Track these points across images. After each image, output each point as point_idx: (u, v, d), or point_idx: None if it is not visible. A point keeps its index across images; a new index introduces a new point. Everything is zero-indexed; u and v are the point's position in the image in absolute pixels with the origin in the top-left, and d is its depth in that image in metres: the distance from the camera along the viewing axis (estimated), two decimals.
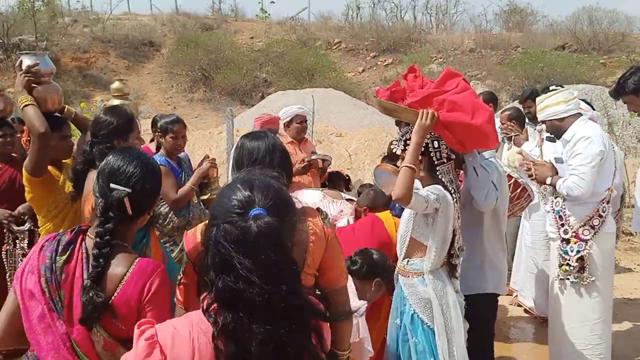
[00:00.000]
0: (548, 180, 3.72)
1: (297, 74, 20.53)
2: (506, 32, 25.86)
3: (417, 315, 2.82)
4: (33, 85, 3.16)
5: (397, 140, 3.07)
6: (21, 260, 3.54)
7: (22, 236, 3.60)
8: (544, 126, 4.50)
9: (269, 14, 29.71)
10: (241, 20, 28.20)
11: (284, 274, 1.32)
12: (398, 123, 3.12)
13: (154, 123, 4.59)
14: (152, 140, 5.01)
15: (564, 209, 3.71)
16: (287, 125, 5.35)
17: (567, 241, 3.68)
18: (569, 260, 3.65)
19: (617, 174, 3.98)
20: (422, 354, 2.80)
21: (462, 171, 3.23)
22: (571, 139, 3.63)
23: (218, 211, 1.39)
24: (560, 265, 3.70)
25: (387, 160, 4.81)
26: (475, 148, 3.05)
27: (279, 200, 1.41)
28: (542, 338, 4.41)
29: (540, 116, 3.83)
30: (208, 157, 4.35)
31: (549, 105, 3.72)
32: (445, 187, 2.84)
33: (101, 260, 1.81)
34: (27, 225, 3.58)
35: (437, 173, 2.88)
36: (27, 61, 3.22)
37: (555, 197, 3.77)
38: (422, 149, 2.84)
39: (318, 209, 2.13)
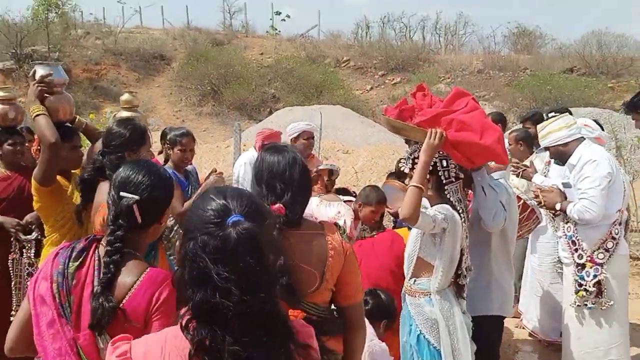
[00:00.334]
0: (557, 206, 3.71)
1: (305, 91, 20.67)
2: (514, 54, 25.97)
3: (424, 336, 2.80)
4: (45, 95, 3.19)
5: (405, 159, 3.07)
6: (27, 269, 3.55)
7: (28, 245, 3.59)
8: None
9: (279, 31, 30.01)
10: (251, 37, 28.45)
11: (262, 281, 1.30)
12: (407, 141, 3.11)
13: (163, 135, 4.62)
14: (160, 153, 5.03)
15: (576, 233, 3.68)
16: (294, 141, 5.36)
17: (583, 266, 3.64)
18: (585, 285, 3.60)
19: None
20: None
21: (470, 191, 3.23)
22: (577, 163, 3.63)
23: (194, 224, 1.36)
24: (577, 291, 3.64)
25: (394, 177, 4.81)
26: (484, 162, 3.06)
27: (255, 207, 1.39)
28: None
29: (543, 143, 3.84)
30: (215, 171, 4.37)
31: (551, 132, 3.73)
32: (453, 207, 2.83)
33: (112, 266, 1.83)
34: (34, 235, 3.58)
35: (445, 192, 2.88)
36: (40, 71, 3.24)
37: (567, 223, 3.75)
38: (431, 168, 2.84)
39: (336, 224, 2.14)
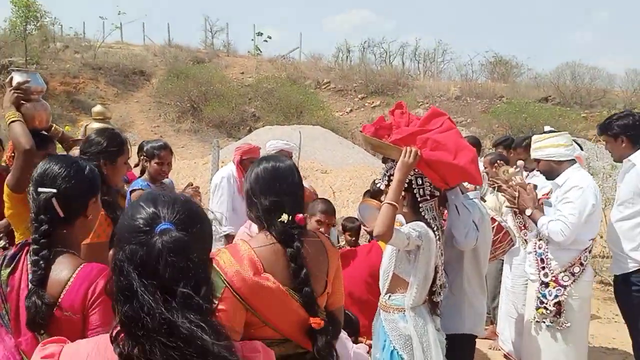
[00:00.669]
0: (528, 212, 3.74)
1: (285, 111, 20.77)
2: (491, 82, 26.49)
3: (397, 352, 2.79)
4: (22, 102, 3.16)
5: (382, 175, 3.09)
6: None
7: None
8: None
9: (261, 52, 30.20)
10: (233, 56, 28.57)
11: (184, 300, 1.22)
12: (385, 160, 3.14)
13: (140, 148, 4.59)
14: (136, 165, 4.99)
15: (547, 252, 3.73)
16: None
17: (547, 285, 3.70)
18: (546, 303, 3.67)
19: None
20: None
21: (446, 210, 3.26)
22: (563, 185, 3.67)
23: (123, 234, 1.29)
24: (537, 308, 3.71)
25: (369, 196, 4.85)
26: (458, 183, 3.08)
27: (188, 213, 1.31)
28: None
29: (537, 154, 3.82)
30: (192, 185, 4.34)
31: (549, 146, 3.73)
32: (428, 224, 2.86)
33: (41, 263, 1.80)
34: (1, 243, 3.51)
35: (420, 210, 2.90)
36: (17, 78, 3.21)
37: (539, 240, 3.80)
38: (406, 185, 2.87)
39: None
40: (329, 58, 29.97)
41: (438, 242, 2.88)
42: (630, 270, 3.83)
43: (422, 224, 2.83)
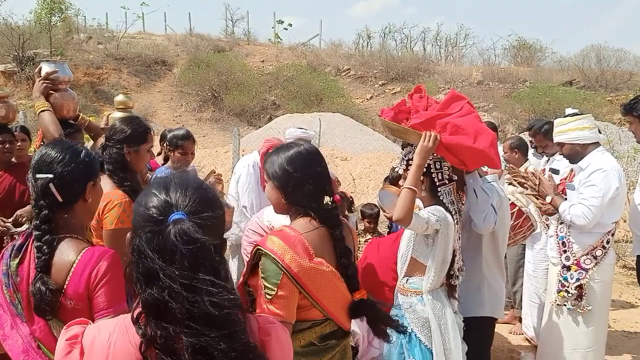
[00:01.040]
0: (548, 199, 3.73)
1: (305, 98, 20.75)
2: (514, 67, 26.10)
3: (415, 335, 2.82)
4: (50, 92, 3.25)
5: (400, 160, 3.11)
6: None
7: (18, 238, 3.63)
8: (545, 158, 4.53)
9: (281, 40, 30.18)
10: (253, 44, 28.59)
11: (206, 281, 1.24)
12: (404, 146, 3.15)
13: (162, 137, 4.66)
14: (159, 154, 5.07)
15: (568, 236, 3.72)
16: None
17: (568, 268, 3.69)
18: (568, 287, 3.66)
19: None
20: None
21: (464, 194, 3.26)
22: (586, 168, 3.64)
23: (137, 221, 1.32)
24: (559, 291, 3.71)
25: (389, 183, 4.86)
26: (478, 167, 3.08)
27: (200, 199, 1.32)
28: None
29: (560, 138, 3.76)
30: (214, 173, 4.40)
31: (574, 129, 3.68)
32: (446, 208, 2.87)
33: (44, 248, 1.82)
34: (24, 226, 3.57)
35: (439, 194, 2.91)
36: (46, 68, 3.31)
37: (561, 223, 3.78)
38: (424, 169, 2.88)
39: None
40: (350, 45, 29.84)
41: (456, 226, 2.90)
42: None
43: (440, 208, 2.84)
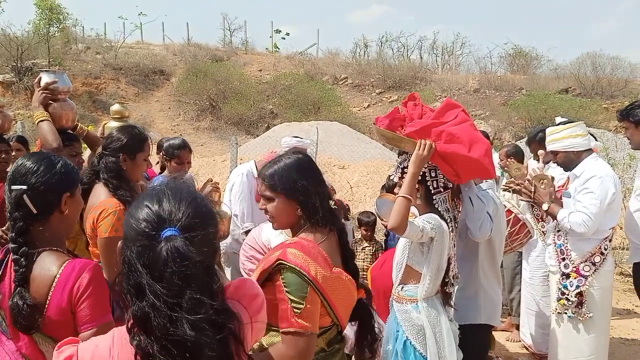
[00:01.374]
0: (544, 206, 3.74)
1: (303, 107, 20.81)
2: (510, 75, 26.20)
3: (410, 342, 2.83)
4: (49, 102, 3.27)
5: (395, 168, 3.12)
6: None
7: None
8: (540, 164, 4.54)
9: (279, 49, 30.28)
10: (251, 54, 28.68)
11: (189, 303, 1.22)
12: (400, 153, 3.16)
13: (159, 145, 4.68)
14: (157, 163, 5.09)
15: (566, 243, 3.73)
16: None
17: (567, 276, 3.70)
18: (567, 294, 3.67)
19: None
20: None
21: (461, 201, 3.27)
22: (581, 175, 3.66)
23: (128, 233, 1.29)
24: (559, 299, 3.71)
25: (386, 191, 4.88)
26: (471, 179, 3.09)
27: (194, 213, 1.30)
28: None
29: (554, 146, 3.79)
30: (211, 181, 4.42)
31: (567, 137, 3.71)
32: (441, 216, 2.88)
33: (22, 261, 1.79)
34: None
35: (434, 202, 2.93)
36: (45, 78, 3.34)
37: (558, 231, 3.79)
38: (419, 177, 2.89)
39: None
40: (347, 53, 29.95)
41: (451, 233, 2.91)
42: None
43: (435, 216, 2.85)
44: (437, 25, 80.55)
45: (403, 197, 2.77)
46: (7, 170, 4.05)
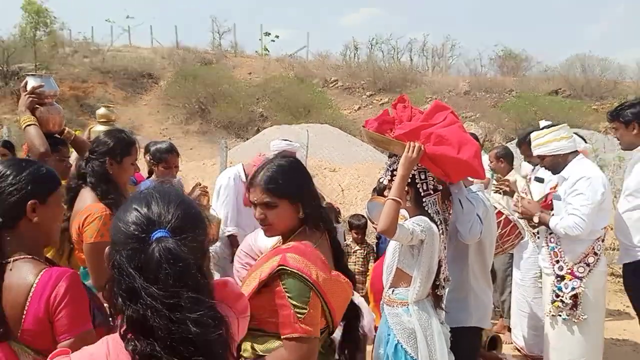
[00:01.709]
0: (535, 219, 3.75)
1: (293, 110, 20.79)
2: (500, 77, 26.37)
3: (401, 346, 2.80)
4: (36, 106, 3.23)
5: (384, 170, 3.10)
6: None
7: None
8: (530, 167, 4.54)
9: (268, 52, 30.27)
10: (240, 56, 28.66)
11: (188, 301, 1.22)
12: (391, 155, 3.14)
13: (147, 149, 4.62)
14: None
15: (559, 245, 3.72)
16: None
17: (562, 278, 3.68)
18: (562, 297, 3.64)
19: None
20: None
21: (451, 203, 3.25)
22: (569, 177, 3.66)
23: (117, 238, 1.28)
24: (553, 302, 3.68)
25: (377, 194, 4.85)
26: (462, 179, 3.08)
27: (183, 215, 1.29)
28: None
29: (539, 151, 3.80)
30: (199, 185, 4.37)
31: (552, 140, 3.72)
32: (432, 219, 2.86)
33: None
34: None
35: (424, 204, 2.91)
36: (32, 82, 3.29)
37: (550, 233, 3.79)
38: (409, 180, 2.87)
39: None
40: (337, 56, 29.99)
41: (441, 236, 2.89)
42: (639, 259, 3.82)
43: (425, 218, 2.84)
44: (427, 28, 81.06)
45: (392, 199, 2.76)
46: None
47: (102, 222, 2.66)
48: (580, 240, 3.64)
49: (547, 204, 3.98)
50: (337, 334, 2.35)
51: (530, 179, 4.62)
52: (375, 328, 3.13)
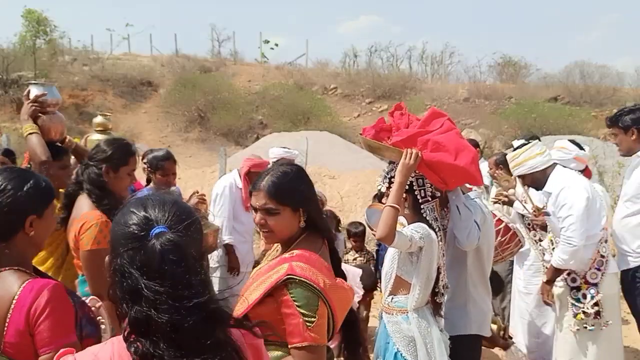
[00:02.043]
0: (544, 278, 3.82)
1: (292, 117, 20.78)
2: (500, 84, 26.39)
3: (401, 354, 2.79)
4: (38, 114, 3.24)
5: (381, 177, 3.09)
6: None
7: None
8: None
9: (268, 59, 30.32)
10: (240, 64, 28.68)
11: (194, 289, 1.27)
12: (390, 162, 3.14)
13: (143, 157, 4.61)
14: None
15: None
16: None
17: (578, 288, 3.65)
18: (583, 307, 3.60)
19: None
20: None
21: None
22: (552, 191, 3.68)
23: (117, 241, 1.33)
24: (575, 315, 3.63)
25: (377, 201, 4.84)
26: (459, 185, 3.07)
27: (179, 213, 1.36)
28: None
29: (519, 170, 3.84)
30: (197, 193, 4.36)
31: (527, 159, 3.77)
32: (430, 225, 2.86)
33: None
34: None
35: (422, 211, 2.90)
36: (35, 91, 3.31)
37: (554, 248, 3.78)
38: (407, 187, 2.87)
39: None
40: (336, 63, 30.02)
41: (440, 242, 2.89)
42: (638, 265, 3.81)
43: (423, 225, 2.83)
44: (425, 36, 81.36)
45: (390, 206, 2.75)
46: None
47: (99, 229, 2.66)
48: (584, 247, 3.62)
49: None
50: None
51: (528, 186, 4.61)
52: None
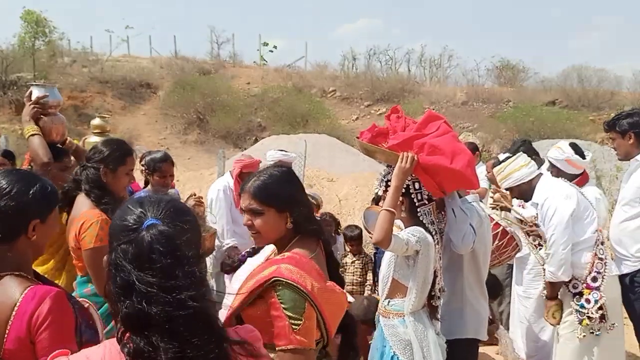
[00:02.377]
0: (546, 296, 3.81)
1: (291, 120, 20.80)
2: (498, 87, 26.42)
3: (397, 358, 2.79)
4: (40, 116, 3.24)
5: (378, 181, 3.10)
6: None
7: None
8: None
9: (267, 62, 30.33)
10: (239, 66, 28.69)
11: (184, 280, 1.28)
12: (388, 165, 3.14)
13: (141, 159, 4.61)
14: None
15: None
16: None
17: (580, 294, 3.64)
18: (588, 312, 3.58)
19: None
20: None
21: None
22: (539, 201, 3.70)
23: (113, 235, 1.37)
24: (581, 322, 3.61)
25: (375, 204, 4.84)
26: (454, 190, 3.07)
27: (173, 209, 1.40)
28: None
29: (507, 183, 3.85)
30: (194, 195, 4.36)
31: (512, 172, 3.78)
32: (426, 229, 2.86)
33: None
34: None
35: (418, 214, 2.90)
36: (36, 92, 3.32)
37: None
38: (403, 190, 2.87)
39: None
40: (335, 66, 30.03)
41: (436, 246, 2.89)
42: (637, 269, 3.80)
43: (420, 228, 2.83)
44: (424, 39, 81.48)
45: (386, 210, 2.75)
46: None
47: (99, 226, 2.67)
48: (579, 251, 3.63)
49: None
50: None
51: (517, 198, 4.61)
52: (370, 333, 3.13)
